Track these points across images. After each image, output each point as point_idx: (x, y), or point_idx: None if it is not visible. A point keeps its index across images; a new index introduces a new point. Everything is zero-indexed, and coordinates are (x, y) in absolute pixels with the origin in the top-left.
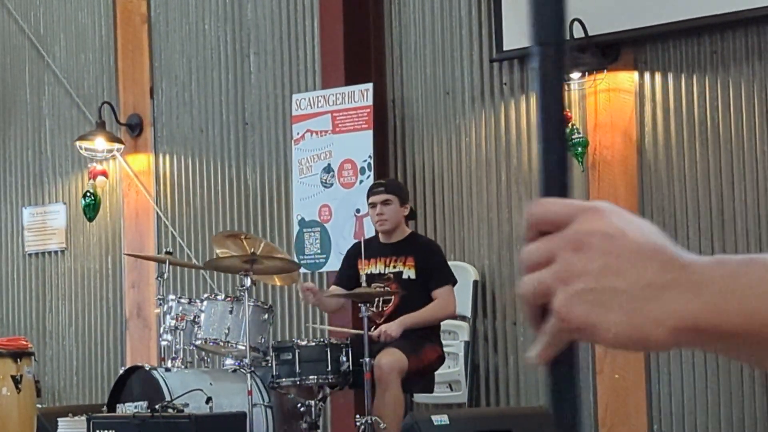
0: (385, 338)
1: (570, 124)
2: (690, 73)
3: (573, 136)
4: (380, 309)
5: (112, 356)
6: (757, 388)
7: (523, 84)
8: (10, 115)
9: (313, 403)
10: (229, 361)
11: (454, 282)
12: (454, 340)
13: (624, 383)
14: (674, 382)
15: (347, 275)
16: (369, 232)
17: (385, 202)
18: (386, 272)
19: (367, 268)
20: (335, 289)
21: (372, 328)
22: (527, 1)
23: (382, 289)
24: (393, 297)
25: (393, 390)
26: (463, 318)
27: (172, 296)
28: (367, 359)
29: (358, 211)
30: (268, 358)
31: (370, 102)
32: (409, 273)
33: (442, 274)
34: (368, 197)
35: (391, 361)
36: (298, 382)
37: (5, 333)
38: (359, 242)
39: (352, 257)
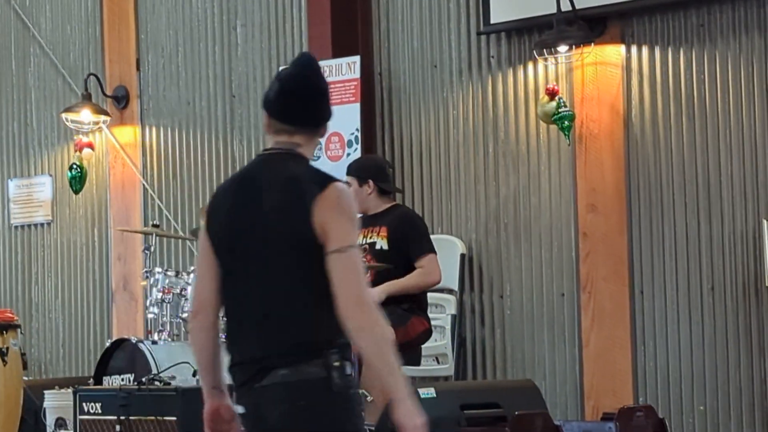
0: None
1: (557, 98)
2: (677, 46)
3: (560, 110)
4: None
5: (99, 329)
6: (742, 361)
7: (511, 57)
8: None
9: None
10: None
11: (432, 251)
12: (441, 313)
13: (610, 356)
14: (660, 354)
15: None
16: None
17: (347, 184)
18: (363, 243)
19: None
20: None
21: None
22: None
23: None
24: (369, 268)
25: None
26: (450, 291)
27: (158, 269)
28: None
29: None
30: None
31: (358, 75)
32: (381, 243)
33: (421, 244)
34: None
35: None
36: None
37: None
38: None
39: None
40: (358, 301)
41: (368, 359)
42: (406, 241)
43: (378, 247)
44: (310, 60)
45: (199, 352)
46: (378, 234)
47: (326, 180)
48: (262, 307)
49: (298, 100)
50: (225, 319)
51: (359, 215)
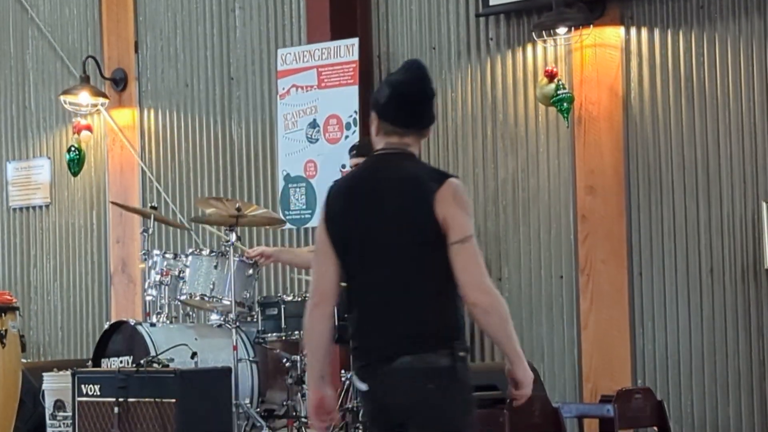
0: None
1: (556, 80)
2: (676, 28)
3: (559, 92)
4: None
5: (97, 311)
6: (741, 343)
7: (509, 39)
8: None
9: (298, 358)
10: (214, 316)
11: None
12: None
13: (608, 338)
14: (658, 336)
15: None
16: None
17: (356, 166)
18: None
19: None
20: None
21: None
22: None
23: None
24: None
25: None
26: None
27: (156, 251)
28: None
29: (343, 166)
30: (254, 313)
31: (356, 57)
32: None
33: None
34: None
35: None
36: (283, 337)
37: None
38: None
39: None
40: (482, 286)
41: (494, 335)
42: None
43: None
44: (420, 67)
45: (317, 341)
46: None
47: (443, 176)
48: (393, 297)
49: (410, 105)
50: (352, 307)
51: None
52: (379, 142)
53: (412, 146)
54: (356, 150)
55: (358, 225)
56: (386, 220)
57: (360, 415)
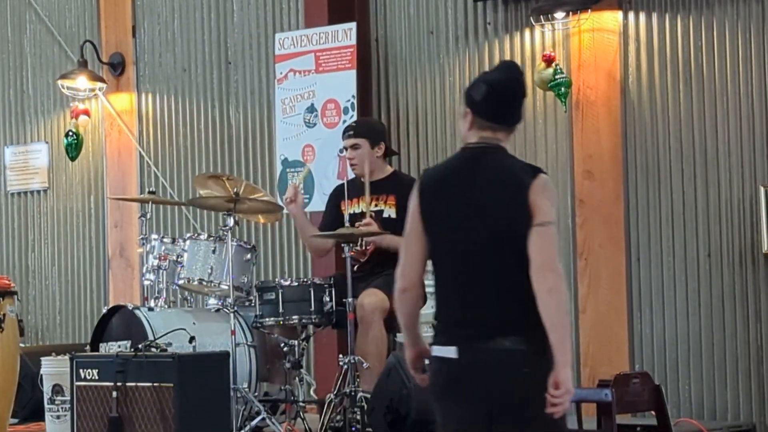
0: (366, 225)
1: (554, 64)
2: (674, 12)
3: (556, 77)
4: (363, 247)
5: (95, 296)
6: (738, 327)
7: (507, 23)
8: None
9: (296, 342)
10: (212, 301)
11: None
12: None
13: (606, 323)
14: (656, 321)
15: (331, 218)
16: (352, 171)
17: (354, 147)
18: (369, 210)
19: (350, 207)
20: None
21: (354, 267)
22: None
23: (358, 229)
24: (368, 236)
25: (375, 330)
26: None
27: (154, 236)
28: (350, 299)
29: (341, 151)
30: (252, 297)
31: (354, 41)
32: (390, 212)
33: None
34: (342, 140)
35: (374, 301)
36: (281, 322)
37: None
38: (342, 184)
39: (334, 199)
40: (552, 266)
41: (550, 318)
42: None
43: (386, 215)
44: (516, 67)
45: (408, 320)
46: (385, 202)
47: (535, 171)
48: (484, 283)
49: (504, 103)
50: (440, 289)
51: (354, 179)
52: (471, 136)
53: (503, 141)
54: (353, 130)
55: (455, 213)
56: (483, 209)
57: (360, 401)
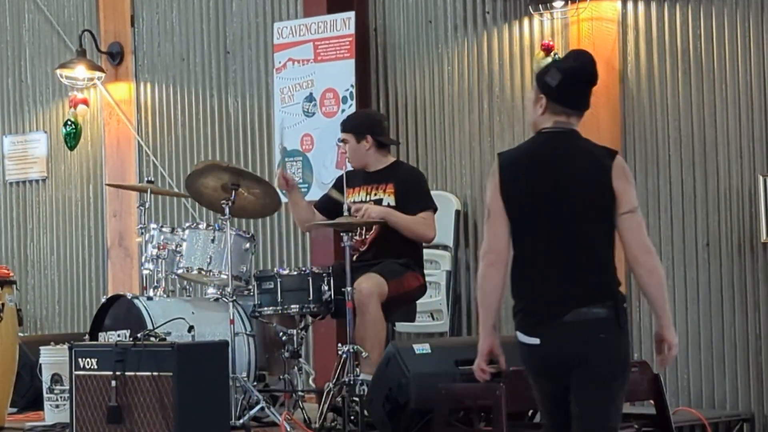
0: (363, 214)
1: (552, 54)
2: (673, 1)
3: None
4: (363, 236)
5: (94, 285)
6: (737, 317)
7: (506, 13)
8: None
9: (295, 332)
10: (211, 290)
11: (434, 209)
12: (436, 269)
13: None
14: None
15: (324, 201)
16: None
17: (343, 141)
18: (367, 200)
19: (350, 196)
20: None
21: (354, 257)
22: None
23: (356, 218)
24: (366, 225)
25: (372, 313)
26: (445, 247)
27: (153, 225)
28: (349, 288)
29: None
30: (250, 287)
31: (352, 30)
32: (389, 200)
33: (423, 200)
34: None
35: (371, 285)
36: (280, 311)
37: None
38: (343, 174)
39: (336, 184)
40: (649, 249)
41: (653, 294)
42: (409, 197)
43: (385, 203)
44: (588, 55)
45: (492, 296)
46: (384, 191)
47: (612, 153)
48: (568, 256)
49: (579, 90)
50: (520, 267)
51: (360, 170)
52: (545, 121)
53: (575, 125)
54: (343, 125)
55: (539, 192)
56: (567, 188)
57: (362, 394)
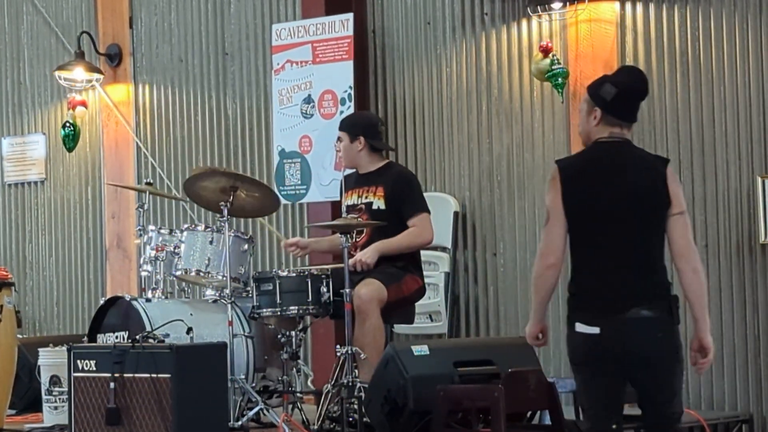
0: (362, 266)
1: (551, 55)
2: (671, 3)
3: (553, 67)
4: (354, 240)
5: (93, 287)
6: (736, 318)
7: (504, 14)
8: None
9: (293, 333)
10: (209, 292)
11: (427, 211)
12: (435, 271)
13: None
14: None
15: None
16: None
17: (338, 139)
18: (358, 203)
19: (347, 199)
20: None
21: (351, 261)
22: None
23: (355, 220)
24: (365, 227)
25: (372, 320)
26: (443, 249)
27: (152, 227)
28: (348, 290)
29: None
30: (249, 288)
31: (351, 32)
32: (378, 203)
33: (414, 203)
34: None
35: (370, 290)
36: (278, 313)
37: None
38: (347, 175)
39: (341, 191)
40: (694, 249)
41: (695, 293)
42: (401, 200)
43: (375, 207)
44: (641, 73)
45: (547, 293)
46: (375, 194)
47: (664, 160)
48: (629, 256)
49: (632, 103)
50: (586, 264)
51: (352, 172)
52: (600, 132)
53: (628, 135)
54: (340, 123)
55: (602, 197)
56: (629, 192)
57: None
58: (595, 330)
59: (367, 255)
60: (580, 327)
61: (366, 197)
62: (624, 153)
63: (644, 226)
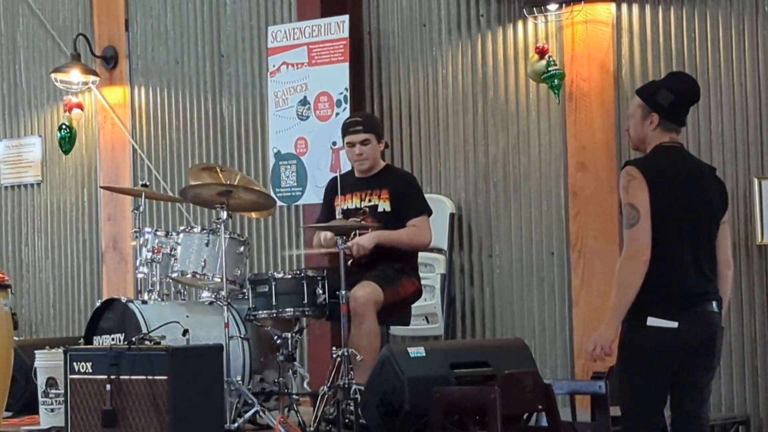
0: (358, 250)
1: (547, 56)
2: (667, 4)
3: (549, 68)
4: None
5: (89, 289)
6: (732, 320)
7: (500, 16)
8: None
9: (289, 335)
10: (205, 294)
11: (429, 212)
12: (431, 272)
13: (599, 315)
14: None
15: (326, 217)
16: (345, 164)
17: (364, 142)
18: (362, 206)
19: (343, 203)
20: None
21: (348, 262)
22: None
23: (351, 222)
24: (369, 230)
25: (368, 322)
26: (439, 251)
27: (148, 229)
28: (343, 291)
29: (334, 143)
30: (245, 290)
31: (346, 34)
32: (384, 206)
33: (417, 205)
34: (345, 136)
35: (367, 293)
36: (274, 315)
37: None
38: (335, 178)
39: (328, 194)
40: (731, 254)
41: (728, 292)
42: (404, 202)
43: (380, 209)
44: (693, 79)
45: (635, 290)
46: (379, 196)
47: (713, 168)
48: (701, 256)
49: (687, 109)
50: (664, 262)
51: (353, 175)
52: (659, 136)
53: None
54: (362, 125)
55: (681, 199)
56: (703, 197)
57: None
58: (673, 324)
59: (364, 239)
60: (654, 321)
61: (370, 200)
62: (688, 158)
63: (712, 228)
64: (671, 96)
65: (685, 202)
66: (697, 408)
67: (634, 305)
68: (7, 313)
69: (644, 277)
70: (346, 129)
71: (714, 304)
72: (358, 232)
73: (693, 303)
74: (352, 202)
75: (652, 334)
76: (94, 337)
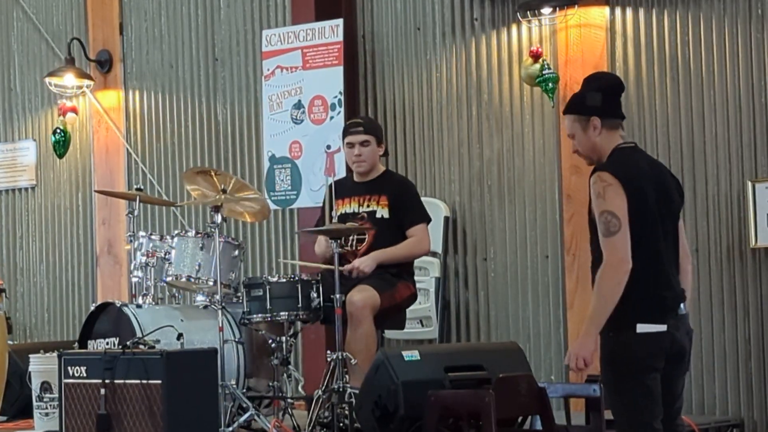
0: (358, 274)
1: (541, 60)
2: (661, 8)
3: (543, 72)
4: (354, 248)
5: (83, 293)
6: (726, 323)
7: (494, 19)
8: None
9: (284, 339)
10: (200, 298)
11: (428, 220)
12: (425, 276)
13: None
14: None
15: (322, 218)
16: (339, 167)
17: (363, 143)
18: (360, 211)
19: (340, 208)
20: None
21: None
22: None
23: (345, 226)
24: (367, 236)
25: (365, 327)
26: (434, 254)
27: (142, 233)
28: (338, 295)
29: (328, 147)
30: (239, 294)
31: (341, 38)
32: (382, 212)
33: (416, 213)
34: (345, 136)
35: (364, 297)
36: (269, 318)
37: None
38: (330, 184)
39: (330, 197)
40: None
41: (688, 290)
42: (403, 209)
43: (379, 215)
44: (609, 73)
45: (616, 299)
46: (378, 202)
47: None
48: (673, 257)
49: (619, 99)
50: (646, 266)
51: (352, 179)
52: (610, 139)
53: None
54: (363, 127)
55: (651, 200)
56: (669, 196)
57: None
58: (662, 328)
59: (365, 264)
60: (644, 327)
61: (368, 206)
62: (646, 156)
63: (675, 224)
64: (599, 94)
65: (658, 201)
66: (676, 415)
67: (618, 314)
68: (2, 317)
69: (628, 285)
70: (347, 130)
71: (683, 305)
72: (357, 250)
73: (674, 306)
74: (350, 207)
75: (643, 342)
76: (89, 342)
